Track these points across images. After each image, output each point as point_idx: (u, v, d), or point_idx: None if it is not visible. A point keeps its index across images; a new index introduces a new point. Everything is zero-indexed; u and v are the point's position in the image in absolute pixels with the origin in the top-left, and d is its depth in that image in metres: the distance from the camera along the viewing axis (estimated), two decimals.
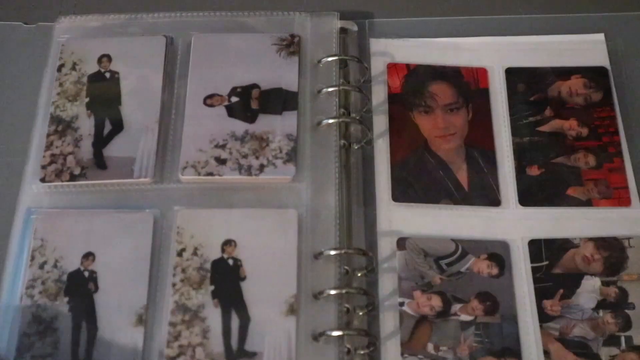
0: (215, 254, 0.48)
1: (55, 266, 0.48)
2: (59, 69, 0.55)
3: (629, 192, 0.52)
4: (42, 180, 0.51)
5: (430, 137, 0.55)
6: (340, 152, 0.52)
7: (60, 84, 0.54)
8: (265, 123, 0.52)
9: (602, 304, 0.49)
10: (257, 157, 0.51)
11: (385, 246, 0.51)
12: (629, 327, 0.48)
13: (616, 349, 0.47)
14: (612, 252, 0.50)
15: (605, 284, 0.49)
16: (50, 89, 0.54)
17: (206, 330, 0.46)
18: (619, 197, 0.52)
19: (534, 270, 0.50)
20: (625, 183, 0.52)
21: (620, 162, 0.53)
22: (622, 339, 0.47)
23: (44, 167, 0.51)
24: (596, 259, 0.50)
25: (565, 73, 0.57)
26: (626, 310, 0.48)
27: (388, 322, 0.48)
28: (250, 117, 0.53)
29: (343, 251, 0.47)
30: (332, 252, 0.47)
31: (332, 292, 0.46)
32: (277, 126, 0.52)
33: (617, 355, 0.47)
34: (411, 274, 0.50)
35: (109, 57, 0.55)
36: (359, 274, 0.49)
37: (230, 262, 0.48)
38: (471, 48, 0.58)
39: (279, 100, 0.53)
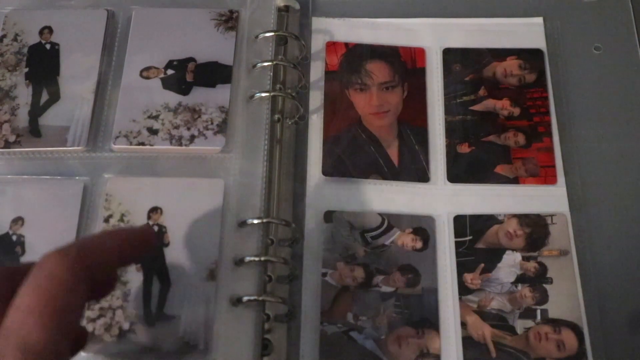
0: (141, 220, 0.49)
1: None
2: (1, 40, 0.56)
3: (555, 171, 0.53)
4: None
5: (364, 114, 0.55)
6: (271, 126, 0.52)
7: (1, 54, 0.55)
8: (199, 95, 0.53)
9: (521, 278, 0.49)
10: (188, 128, 0.52)
11: (313, 219, 0.51)
12: (546, 301, 0.48)
13: (531, 322, 0.48)
14: (535, 228, 0.51)
15: (525, 259, 0.50)
16: None
17: (127, 293, 0.47)
18: (546, 175, 0.53)
19: (458, 245, 0.51)
20: (552, 162, 0.53)
21: (550, 141, 0.54)
22: (538, 312, 0.48)
23: None
24: (519, 234, 0.51)
25: (501, 54, 0.57)
26: (544, 285, 0.49)
27: (310, 291, 0.49)
28: (184, 89, 0.53)
29: (266, 220, 0.48)
30: (256, 221, 0.48)
31: (252, 259, 0.47)
32: (210, 98, 0.53)
33: (532, 327, 0.48)
34: (336, 246, 0.51)
35: (50, 29, 0.56)
36: (284, 245, 0.50)
37: (155, 228, 0.49)
38: (411, 28, 0.59)
39: (213, 74, 0.54)
